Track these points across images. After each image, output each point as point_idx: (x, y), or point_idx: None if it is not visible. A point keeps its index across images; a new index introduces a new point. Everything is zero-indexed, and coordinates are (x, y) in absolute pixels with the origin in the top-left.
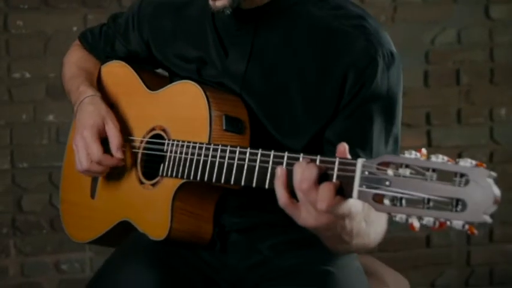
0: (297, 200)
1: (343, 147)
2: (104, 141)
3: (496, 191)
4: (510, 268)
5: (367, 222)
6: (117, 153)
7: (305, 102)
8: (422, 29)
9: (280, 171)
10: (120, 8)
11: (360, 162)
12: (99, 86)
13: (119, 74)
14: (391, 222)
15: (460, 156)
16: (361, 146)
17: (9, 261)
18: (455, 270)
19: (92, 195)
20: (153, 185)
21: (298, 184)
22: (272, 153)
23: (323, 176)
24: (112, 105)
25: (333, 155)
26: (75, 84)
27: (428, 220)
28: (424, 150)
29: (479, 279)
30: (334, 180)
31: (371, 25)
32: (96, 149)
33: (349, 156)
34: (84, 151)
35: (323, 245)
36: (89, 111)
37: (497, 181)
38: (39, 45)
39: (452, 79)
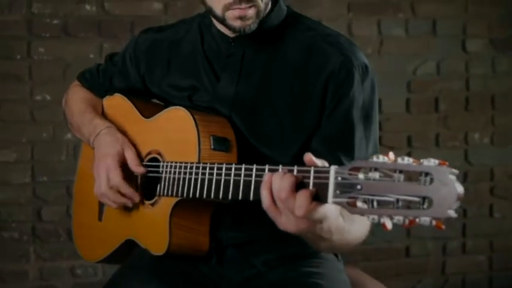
0: None
1: (309, 157)
2: (124, 167)
3: (459, 187)
4: (480, 276)
5: (345, 218)
6: (138, 169)
7: (291, 116)
8: (405, 60)
9: (267, 177)
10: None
11: (332, 169)
12: None
13: (118, 106)
14: (373, 232)
15: None
16: (344, 151)
17: (29, 266)
18: (432, 278)
19: (99, 218)
20: (152, 204)
21: (277, 193)
22: (254, 166)
23: (300, 185)
24: None
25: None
26: (88, 118)
27: (398, 219)
28: (391, 154)
29: (453, 286)
30: (310, 187)
31: (345, 41)
32: (116, 175)
33: (317, 163)
34: (105, 176)
35: (312, 260)
36: (108, 141)
37: (459, 178)
38: (59, 70)
39: (432, 106)
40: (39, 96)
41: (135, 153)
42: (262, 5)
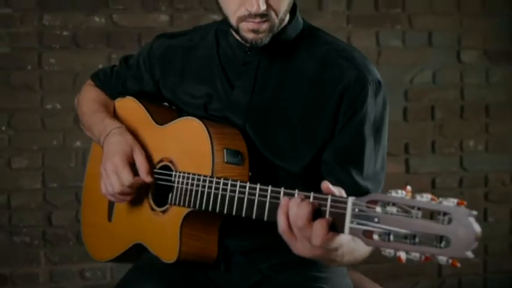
0: None
1: (326, 185)
2: (131, 167)
3: (477, 229)
4: (475, 278)
5: (356, 240)
6: (147, 178)
7: (304, 129)
8: (403, 70)
9: (284, 201)
10: (140, 48)
11: (350, 200)
12: None
13: (130, 108)
14: None
15: (433, 181)
16: (354, 164)
17: (39, 269)
18: (429, 280)
19: (109, 218)
20: (163, 212)
21: (294, 221)
22: (270, 188)
23: (316, 213)
24: None
25: (330, 174)
26: (99, 118)
27: (415, 255)
28: (409, 188)
29: None
30: (327, 216)
31: (359, 56)
32: (127, 174)
33: (335, 192)
34: (115, 176)
35: (317, 265)
36: (118, 141)
37: (477, 218)
38: (68, 80)
39: (428, 114)
40: (49, 105)
41: (145, 158)
42: (276, 21)
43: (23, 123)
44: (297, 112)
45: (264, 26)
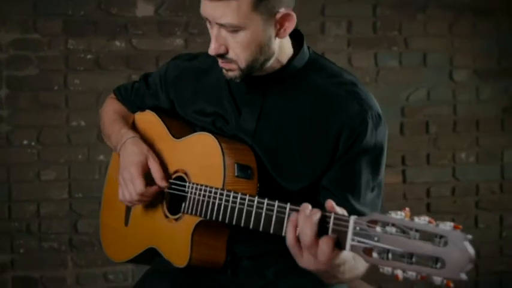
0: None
1: (331, 204)
2: (146, 176)
3: (471, 252)
4: (468, 280)
5: (355, 259)
6: (162, 183)
7: (305, 155)
8: (399, 88)
9: (294, 215)
10: (158, 68)
11: (352, 219)
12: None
13: (148, 122)
14: None
15: (428, 190)
16: (351, 192)
17: (67, 273)
18: (426, 285)
19: (126, 223)
20: (176, 219)
21: (302, 238)
22: (276, 203)
23: (321, 230)
24: None
25: (328, 199)
26: (116, 128)
27: (411, 274)
28: (407, 209)
29: None
30: (329, 233)
31: (362, 91)
32: (140, 183)
33: (338, 211)
34: (130, 184)
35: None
36: (133, 151)
37: (472, 242)
38: (92, 99)
39: (423, 129)
40: (74, 122)
41: (159, 163)
42: (242, 64)
43: (50, 138)
44: (300, 140)
45: (230, 65)
